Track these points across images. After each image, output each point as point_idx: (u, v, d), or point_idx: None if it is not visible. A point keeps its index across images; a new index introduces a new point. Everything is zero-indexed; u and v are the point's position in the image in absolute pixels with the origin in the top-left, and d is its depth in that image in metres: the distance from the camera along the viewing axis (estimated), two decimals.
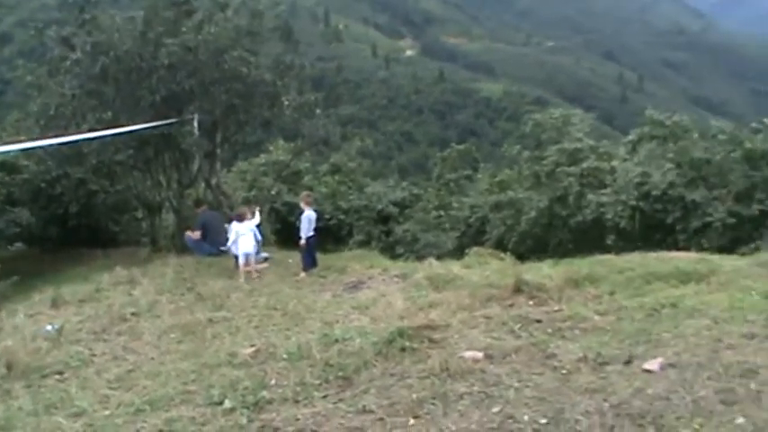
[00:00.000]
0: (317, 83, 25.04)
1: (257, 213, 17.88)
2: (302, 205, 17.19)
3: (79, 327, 12.93)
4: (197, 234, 19.95)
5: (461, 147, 36.51)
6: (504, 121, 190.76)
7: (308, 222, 16.69)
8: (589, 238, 24.17)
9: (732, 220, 21.30)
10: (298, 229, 17.01)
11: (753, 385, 6.63)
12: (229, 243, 17.43)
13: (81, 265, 22.04)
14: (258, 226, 17.61)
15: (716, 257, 13.50)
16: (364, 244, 28.78)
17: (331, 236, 29.46)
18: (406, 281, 13.74)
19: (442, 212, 30.47)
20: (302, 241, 16.79)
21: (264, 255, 18.33)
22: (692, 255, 14.35)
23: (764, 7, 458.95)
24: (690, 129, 25.69)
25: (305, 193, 18.90)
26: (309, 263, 16.58)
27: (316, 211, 17.49)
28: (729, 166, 22.73)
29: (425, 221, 29.94)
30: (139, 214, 26.72)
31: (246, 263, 16.54)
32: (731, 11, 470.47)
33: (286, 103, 22.32)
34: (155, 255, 21.76)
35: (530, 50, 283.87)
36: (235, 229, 17.06)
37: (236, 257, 16.87)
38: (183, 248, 21.01)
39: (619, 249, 19.57)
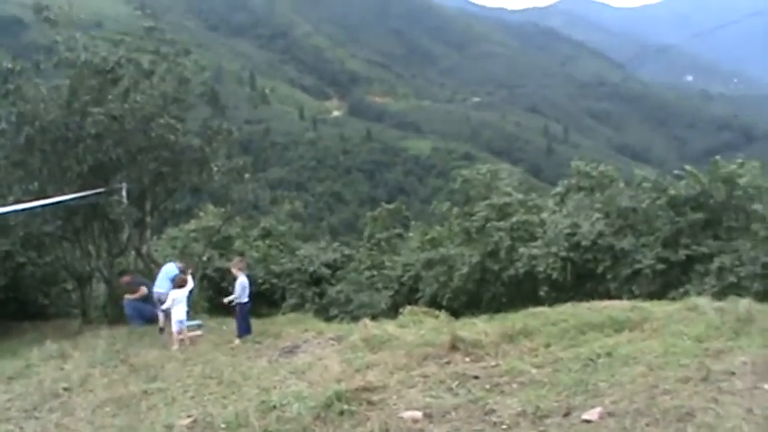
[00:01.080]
0: (245, 146, 25.02)
1: (190, 279, 17.70)
2: (235, 271, 17.04)
3: (8, 405, 12.62)
4: (143, 290, 19.74)
5: (391, 206, 36.58)
6: (434, 177, 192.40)
7: (241, 289, 16.55)
8: (522, 290, 24.35)
9: (661, 266, 21.62)
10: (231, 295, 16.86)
11: (690, 429, 6.70)
12: (164, 306, 17.26)
13: (9, 339, 21.57)
14: (189, 292, 17.44)
15: (647, 304, 13.66)
16: (298, 307, 28.63)
17: (264, 300, 29.25)
18: (341, 343, 13.68)
19: (374, 272, 30.41)
20: (227, 299, 16.80)
21: (197, 322, 18.14)
22: (625, 303, 14.49)
23: (675, 59, 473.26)
24: (615, 178, 26.11)
25: (237, 258, 18.78)
26: (244, 329, 16.43)
27: (248, 276, 17.36)
28: (655, 213, 23.10)
29: (358, 282, 29.87)
30: (69, 285, 26.26)
31: (180, 331, 16.34)
32: (647, 62, 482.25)
33: (215, 168, 22.28)
34: (86, 326, 21.44)
35: (455, 107, 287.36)
36: (172, 296, 16.86)
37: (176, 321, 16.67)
38: (114, 319, 20.73)
39: (552, 300, 19.75)
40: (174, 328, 16.37)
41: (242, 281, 16.63)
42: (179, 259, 24.99)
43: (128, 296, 20.25)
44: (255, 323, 17.36)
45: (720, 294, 17.33)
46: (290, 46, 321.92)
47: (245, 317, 16.62)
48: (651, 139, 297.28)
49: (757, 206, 21.75)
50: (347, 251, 33.63)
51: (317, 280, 31.24)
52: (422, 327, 13.88)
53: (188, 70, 22.64)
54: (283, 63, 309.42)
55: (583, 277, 23.40)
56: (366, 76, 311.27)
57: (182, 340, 16.14)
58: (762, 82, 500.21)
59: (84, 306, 24.08)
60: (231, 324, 17.22)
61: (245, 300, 16.55)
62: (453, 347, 11.16)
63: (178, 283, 17.18)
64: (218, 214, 30.66)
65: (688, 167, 23.78)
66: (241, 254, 28.73)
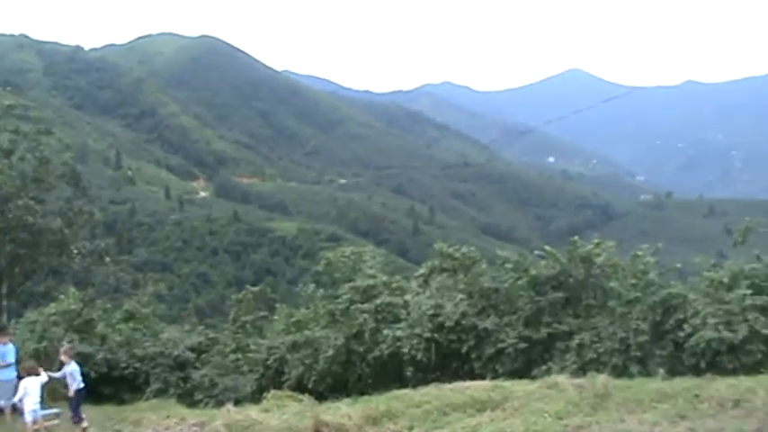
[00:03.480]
0: (109, 227, 24.78)
1: (42, 372, 17.17)
2: (63, 359, 16.69)
3: None
4: None
5: (256, 288, 36.31)
6: (301, 258, 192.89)
7: (71, 377, 16.22)
8: (388, 371, 24.35)
9: (523, 345, 21.91)
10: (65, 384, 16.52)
11: None
12: (16, 398, 16.70)
13: None
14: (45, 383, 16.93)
15: (509, 384, 13.89)
16: (162, 392, 27.98)
17: (127, 385, 28.58)
18: (204, 429, 13.49)
19: (239, 355, 29.99)
20: (71, 390, 16.47)
21: (54, 411, 17.59)
22: (487, 383, 14.70)
23: (537, 141, 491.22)
24: (478, 259, 26.47)
25: (66, 346, 18.38)
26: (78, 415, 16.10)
27: (78, 363, 17.01)
28: (517, 292, 23.48)
29: (223, 365, 29.38)
30: None
31: (35, 420, 15.80)
32: (510, 144, 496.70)
33: (75, 251, 21.88)
34: None
35: (322, 188, 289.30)
36: (23, 384, 16.33)
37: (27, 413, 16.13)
38: None
39: (418, 381, 19.86)
40: (28, 418, 15.83)
41: (71, 369, 16.31)
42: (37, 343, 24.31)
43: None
44: (116, 410, 17.00)
45: (581, 370, 17.81)
46: (156, 125, 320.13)
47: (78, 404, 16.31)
48: (515, 218, 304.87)
49: (614, 284, 22.35)
50: (212, 334, 33.14)
51: (181, 364, 30.61)
52: (285, 411, 13.79)
53: (50, 148, 22.31)
54: (150, 143, 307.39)
55: (448, 357, 23.54)
56: (233, 157, 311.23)
57: (37, 430, 15.62)
58: (618, 162, 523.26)
59: None
60: (87, 411, 16.79)
61: (81, 386, 16.25)
62: None
63: (29, 370, 16.68)
64: (80, 297, 29.95)
65: (547, 248, 24.35)
66: (71, 340, 28.05)
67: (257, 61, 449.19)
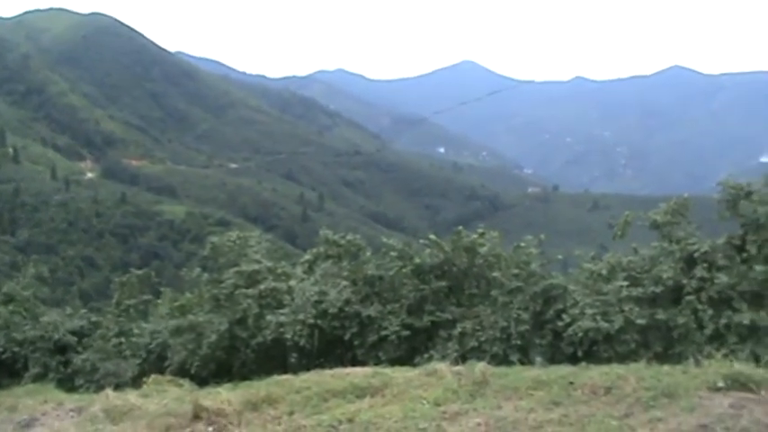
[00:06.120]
0: None
1: None
2: None
3: None
4: None
5: (141, 271, 35.86)
6: (189, 242, 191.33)
7: None
8: (271, 357, 24.33)
9: (406, 333, 22.07)
10: None
11: None
12: None
13: None
14: None
15: (389, 370, 14.02)
16: (40, 377, 27.51)
17: (5, 370, 28.05)
18: (81, 414, 13.32)
19: (122, 339, 29.61)
20: None
21: None
22: (367, 369, 14.80)
23: (428, 131, 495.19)
24: (363, 247, 26.56)
25: None
26: None
27: None
28: (401, 280, 23.59)
29: (105, 350, 28.92)
30: None
31: None
32: (401, 133, 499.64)
33: None
34: None
35: (212, 172, 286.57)
36: None
37: None
38: None
39: (302, 367, 19.89)
40: None
41: None
42: None
43: None
44: None
45: (462, 358, 18.04)
46: (44, 103, 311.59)
47: None
48: (404, 207, 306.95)
49: (496, 274, 22.59)
50: (95, 318, 32.61)
51: (61, 348, 30.08)
52: (165, 396, 13.70)
53: None
54: (37, 121, 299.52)
55: (331, 344, 23.58)
56: (122, 138, 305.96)
57: None
58: (507, 155, 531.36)
59: None
60: None
61: None
62: (196, 417, 11.09)
63: None
64: None
65: (432, 236, 24.51)
66: None
67: (150, 41, 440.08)
